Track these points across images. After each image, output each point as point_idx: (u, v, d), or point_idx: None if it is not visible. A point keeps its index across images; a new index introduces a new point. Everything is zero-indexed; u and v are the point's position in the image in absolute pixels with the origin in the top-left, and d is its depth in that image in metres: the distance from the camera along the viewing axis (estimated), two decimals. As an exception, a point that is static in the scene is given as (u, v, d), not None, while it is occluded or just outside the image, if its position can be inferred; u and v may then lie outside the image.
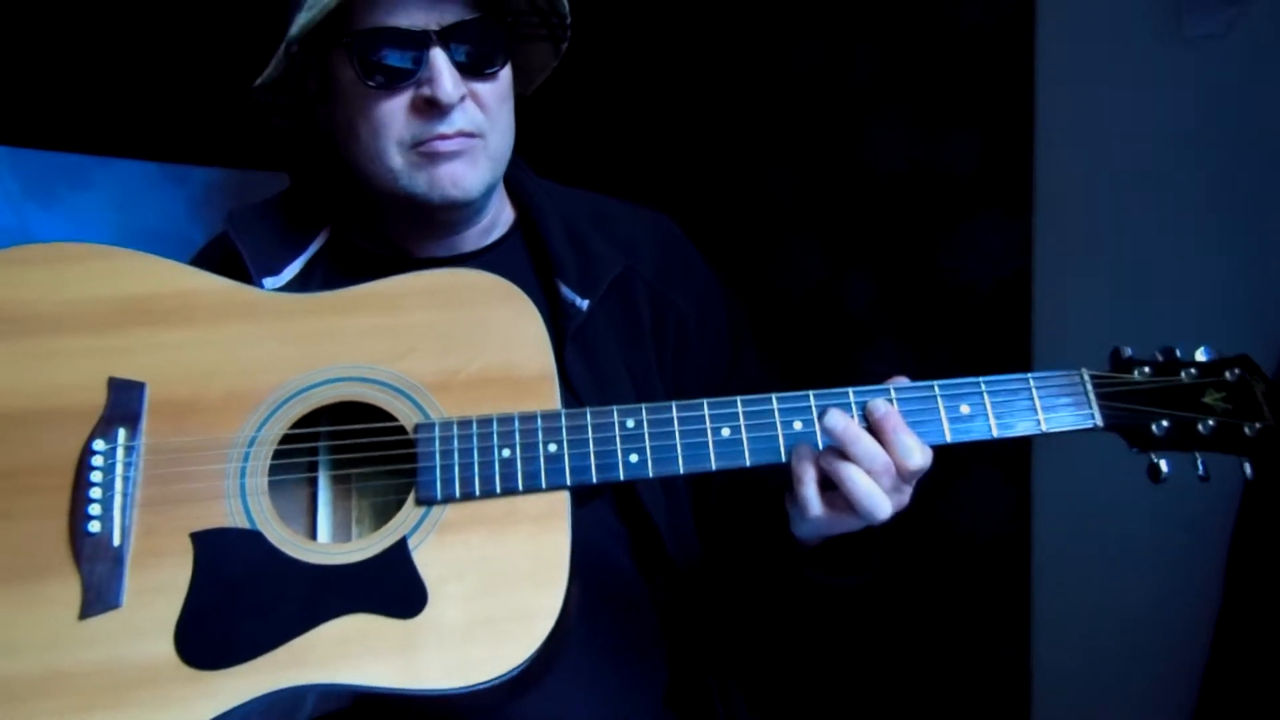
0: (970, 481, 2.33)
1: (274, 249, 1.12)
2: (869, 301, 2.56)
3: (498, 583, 0.87)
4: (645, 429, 0.92)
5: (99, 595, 0.86)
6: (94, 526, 0.88)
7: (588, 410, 0.93)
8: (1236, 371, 0.96)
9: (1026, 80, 2.24)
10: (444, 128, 1.03)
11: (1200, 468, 0.94)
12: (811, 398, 0.94)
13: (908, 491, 0.93)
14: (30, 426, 0.91)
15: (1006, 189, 2.30)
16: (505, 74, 1.09)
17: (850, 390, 0.94)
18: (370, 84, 1.02)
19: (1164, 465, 0.94)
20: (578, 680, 0.98)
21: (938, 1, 2.41)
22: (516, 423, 0.92)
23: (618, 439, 0.92)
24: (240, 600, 0.87)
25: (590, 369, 1.10)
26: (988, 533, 2.34)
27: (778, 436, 0.92)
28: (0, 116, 2.34)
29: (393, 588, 0.87)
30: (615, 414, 0.92)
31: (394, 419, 0.93)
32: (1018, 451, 2.28)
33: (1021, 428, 0.93)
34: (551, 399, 0.94)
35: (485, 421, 0.92)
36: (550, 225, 1.17)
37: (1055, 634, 2.24)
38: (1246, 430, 0.94)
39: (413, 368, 0.94)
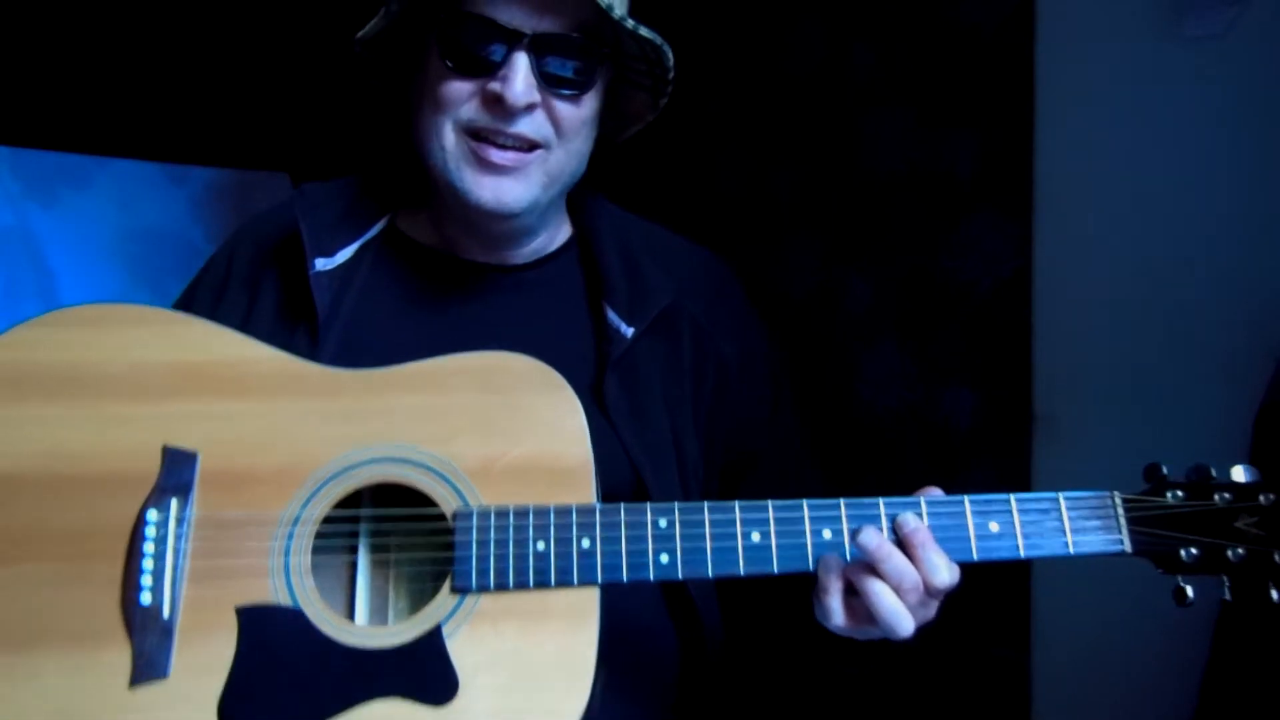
0: (970, 483, 2.33)
1: (333, 231, 1.12)
2: (869, 301, 2.56)
3: (527, 678, 0.89)
4: (677, 529, 0.93)
5: (148, 665, 0.88)
6: (146, 598, 0.90)
7: (621, 506, 0.93)
8: (1271, 496, 0.95)
9: (1026, 80, 2.24)
10: (505, 126, 1.03)
11: (1227, 592, 0.95)
12: (842, 506, 0.94)
13: (934, 606, 0.94)
14: (88, 491, 0.93)
15: (1006, 189, 2.30)
16: (590, 100, 1.08)
17: (881, 501, 0.94)
18: (449, 64, 1.03)
19: (1190, 591, 0.94)
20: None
21: (937, 1, 2.41)
22: (552, 516, 0.93)
23: (649, 538, 0.92)
24: (281, 678, 0.88)
25: (628, 397, 1.09)
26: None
27: (806, 545, 0.93)
28: (0, 116, 2.34)
29: (426, 674, 0.88)
30: (649, 512, 0.93)
31: (434, 503, 0.94)
32: (1016, 454, 2.28)
33: (1049, 548, 0.94)
34: (588, 492, 0.95)
35: (522, 513, 0.93)
36: (606, 248, 1.17)
37: (1055, 634, 2.24)
38: (1277, 558, 0.94)
39: (455, 452, 0.95)
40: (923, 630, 0.94)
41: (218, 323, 1.11)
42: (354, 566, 0.99)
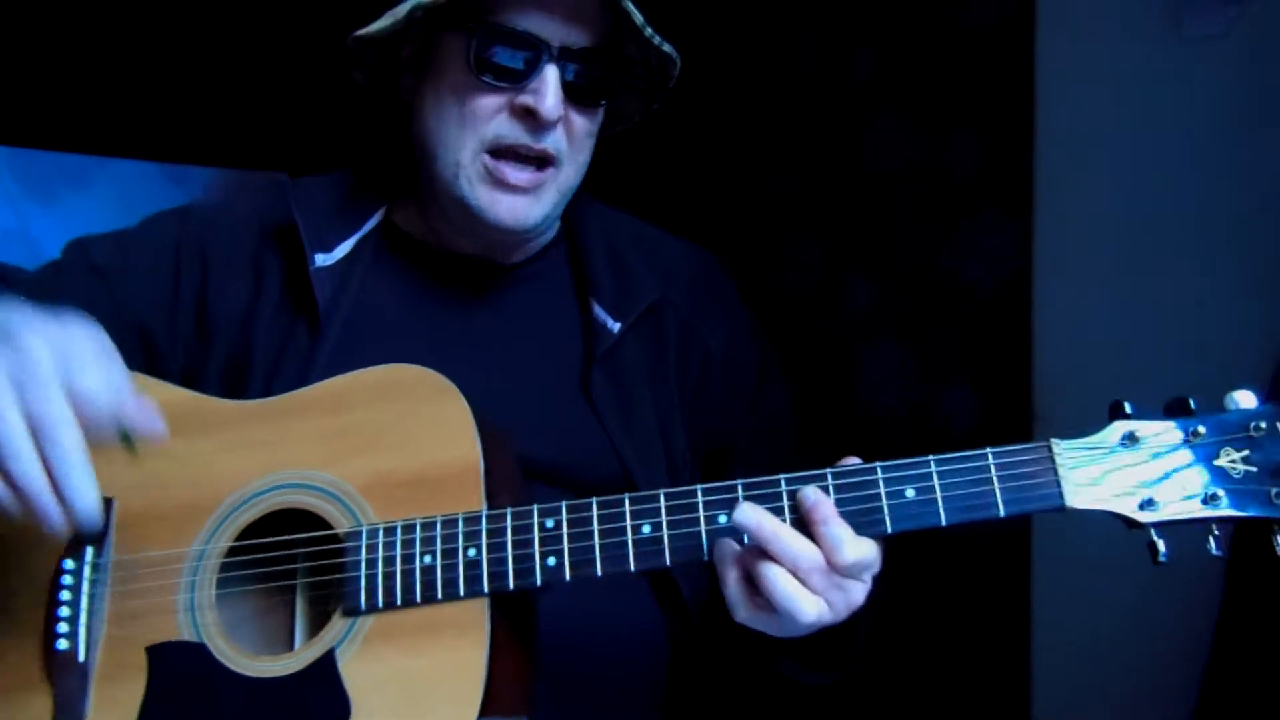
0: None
1: (330, 226, 1.12)
2: (869, 301, 2.56)
3: (418, 694, 0.88)
4: (564, 529, 0.89)
5: (66, 710, 0.90)
6: (62, 644, 0.92)
7: (508, 511, 0.90)
8: (1264, 426, 0.80)
9: (1026, 80, 2.24)
10: (533, 142, 1.03)
11: (1214, 544, 0.80)
12: (739, 488, 0.87)
13: (856, 589, 0.85)
14: (13, 547, 0.95)
15: (1006, 189, 2.30)
16: (602, 112, 1.09)
17: (782, 478, 0.86)
18: (480, 77, 1.02)
19: (1162, 546, 0.81)
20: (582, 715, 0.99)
21: (938, 1, 2.41)
22: (438, 527, 0.91)
23: (536, 541, 0.89)
24: (188, 713, 0.90)
25: (615, 392, 1.09)
26: (988, 534, 2.34)
27: (701, 533, 0.87)
28: (0, 116, 2.34)
29: (318, 701, 0.88)
30: (535, 514, 0.90)
31: (332, 526, 0.94)
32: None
33: (976, 512, 0.84)
34: (476, 497, 0.92)
35: (409, 527, 0.91)
36: (593, 245, 1.17)
37: (1055, 634, 2.24)
38: (1273, 497, 0.78)
39: (347, 471, 0.95)
40: (858, 618, 0.86)
41: (219, 300, 1.10)
42: (294, 596, 1.00)
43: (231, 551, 0.95)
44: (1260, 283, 1.93)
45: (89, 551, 0.94)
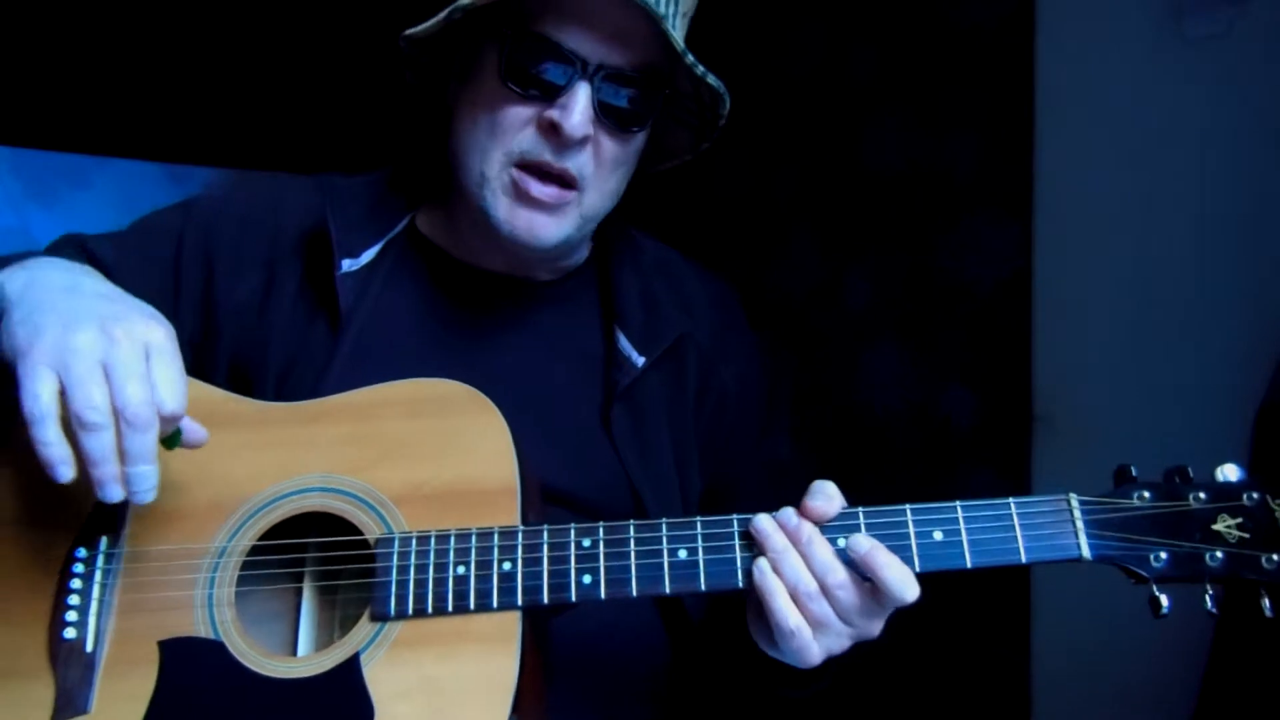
0: (970, 483, 2.33)
1: (359, 231, 1.11)
2: (869, 301, 2.56)
3: (444, 705, 0.87)
4: (601, 549, 0.90)
5: (69, 700, 0.89)
6: (70, 633, 0.91)
7: (545, 528, 0.91)
8: (1255, 496, 0.87)
9: (1026, 80, 2.25)
10: (555, 160, 1.01)
11: (1210, 602, 0.87)
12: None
13: (880, 621, 0.89)
14: (26, 532, 0.94)
15: (1006, 189, 2.31)
16: (636, 141, 1.06)
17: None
18: (509, 85, 1.00)
19: (1164, 600, 0.86)
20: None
21: (938, 1, 2.42)
22: (474, 539, 0.91)
23: (572, 559, 0.90)
24: (199, 710, 0.89)
25: (635, 428, 1.09)
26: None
27: (736, 559, 0.90)
28: (0, 116, 2.34)
29: (341, 704, 0.87)
30: (572, 533, 0.91)
31: (359, 531, 0.94)
32: (1016, 454, 2.28)
33: (999, 557, 0.89)
34: (512, 514, 0.93)
35: (443, 537, 0.91)
36: (624, 273, 1.16)
37: (1055, 634, 2.24)
38: (1264, 563, 0.85)
39: (379, 479, 0.95)
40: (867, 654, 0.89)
41: (227, 295, 1.09)
42: (300, 596, 0.99)
43: (255, 551, 0.94)
44: (1259, 282, 1.93)
45: (103, 541, 0.93)
